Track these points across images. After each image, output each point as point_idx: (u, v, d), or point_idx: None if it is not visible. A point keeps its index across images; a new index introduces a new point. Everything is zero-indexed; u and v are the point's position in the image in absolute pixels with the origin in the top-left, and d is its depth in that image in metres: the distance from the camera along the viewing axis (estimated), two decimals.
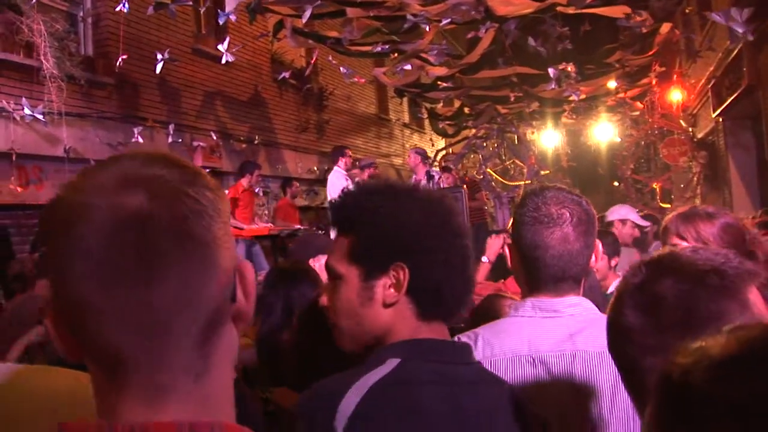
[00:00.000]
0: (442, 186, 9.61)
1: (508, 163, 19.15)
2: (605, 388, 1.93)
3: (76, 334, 0.85)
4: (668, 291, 1.24)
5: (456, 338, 2.06)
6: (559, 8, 9.21)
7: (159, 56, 7.54)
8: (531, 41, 8.35)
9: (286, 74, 11.83)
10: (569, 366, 1.95)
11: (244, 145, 13.42)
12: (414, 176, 10.10)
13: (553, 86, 9.76)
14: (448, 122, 16.89)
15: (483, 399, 1.55)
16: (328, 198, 10.61)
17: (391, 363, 1.52)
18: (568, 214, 2.03)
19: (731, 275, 1.24)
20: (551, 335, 1.98)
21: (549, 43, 8.84)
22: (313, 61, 9.55)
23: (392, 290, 1.59)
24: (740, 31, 6.21)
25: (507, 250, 2.19)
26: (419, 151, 11.14)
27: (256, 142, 13.66)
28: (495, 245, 5.17)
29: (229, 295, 0.91)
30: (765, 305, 1.23)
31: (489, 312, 3.03)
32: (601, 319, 2.03)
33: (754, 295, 1.23)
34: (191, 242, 0.86)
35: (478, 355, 1.98)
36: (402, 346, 1.56)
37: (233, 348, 0.95)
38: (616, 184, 20.82)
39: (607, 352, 1.87)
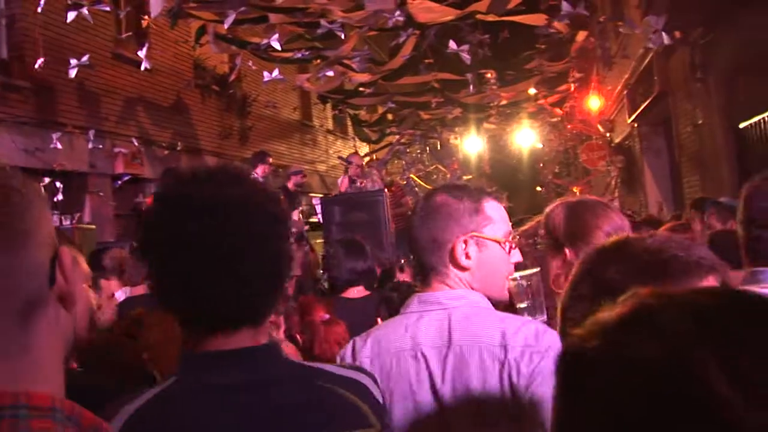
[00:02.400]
0: (365, 188, 9.65)
1: (431, 168, 19.36)
2: (478, 382, 1.97)
3: None
4: (612, 277, 1.28)
5: (354, 338, 2.17)
6: (478, 16, 9.39)
7: (73, 61, 7.39)
8: (453, 45, 8.47)
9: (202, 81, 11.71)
10: (443, 360, 2.00)
11: (166, 152, 13.24)
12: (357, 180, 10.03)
13: (471, 90, 9.92)
14: (371, 128, 17.00)
15: (281, 403, 1.47)
16: None
17: (167, 382, 1.49)
18: (418, 206, 2.17)
19: (675, 266, 1.29)
20: (432, 330, 2.05)
21: (470, 49, 8.98)
22: (238, 68, 9.49)
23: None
24: (654, 37, 6.46)
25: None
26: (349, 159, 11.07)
27: (178, 148, 13.50)
28: None
29: (45, 280, 0.97)
30: None
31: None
32: (482, 313, 2.12)
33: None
34: None
35: (367, 352, 2.08)
36: (180, 361, 1.52)
37: (61, 327, 1.01)
38: (539, 188, 21.25)
39: (477, 346, 1.97)
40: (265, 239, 1.51)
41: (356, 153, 12.09)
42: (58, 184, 9.80)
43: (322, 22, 8.07)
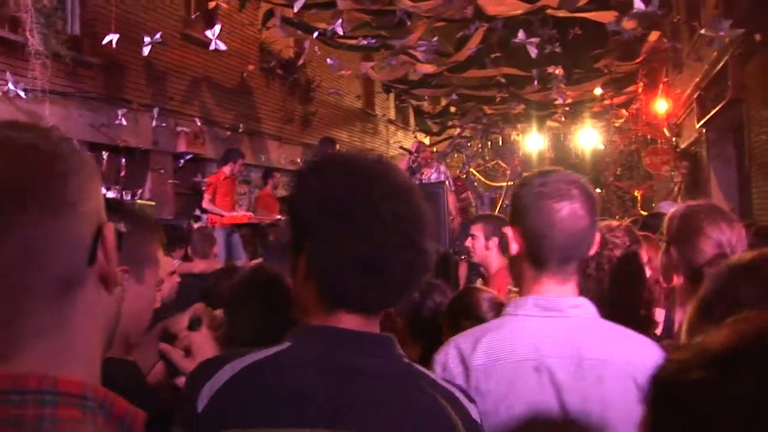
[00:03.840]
0: (428, 179, 9.59)
1: (491, 163, 19.22)
2: (612, 399, 1.84)
3: None
4: (746, 298, 1.20)
5: (451, 341, 1.99)
6: (549, 11, 9.24)
7: (147, 39, 7.47)
8: (521, 35, 8.34)
9: (271, 63, 11.76)
10: (573, 374, 1.85)
11: (228, 133, 13.35)
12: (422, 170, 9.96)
13: (536, 85, 9.78)
14: (433, 120, 16.93)
15: (372, 393, 1.45)
16: None
17: (281, 346, 1.49)
18: (576, 191, 1.93)
19: None
20: (556, 340, 1.88)
21: (538, 44, 8.85)
22: (306, 52, 9.50)
23: (300, 271, 1.53)
24: (716, 39, 6.28)
25: (511, 235, 2.03)
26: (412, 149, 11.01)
27: (240, 130, 13.60)
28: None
29: (85, 257, 0.92)
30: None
31: (466, 306, 3.02)
32: (606, 326, 2.00)
33: None
34: (35, 203, 0.87)
35: (480, 359, 1.89)
36: (300, 330, 1.52)
37: (100, 310, 0.96)
38: (598, 190, 20.95)
39: (609, 361, 1.83)
40: (410, 226, 1.50)
41: (422, 142, 11.98)
42: (122, 160, 9.96)
43: (398, 10, 7.99)
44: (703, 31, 6.53)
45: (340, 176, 1.51)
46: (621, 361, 1.85)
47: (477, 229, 5.04)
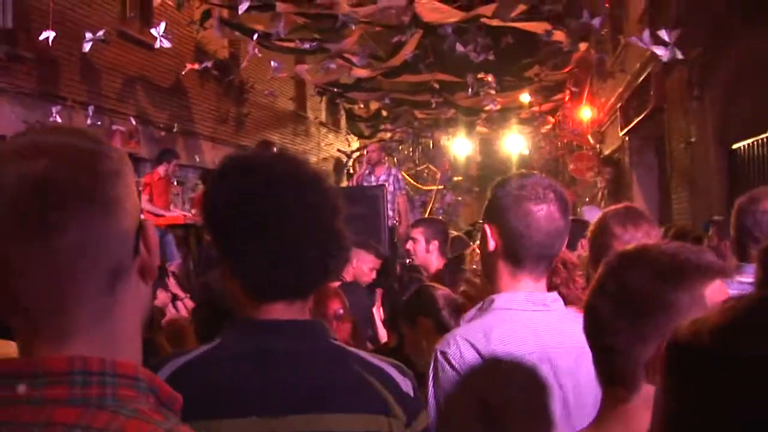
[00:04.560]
0: (400, 185, 9.77)
1: (422, 167, 19.47)
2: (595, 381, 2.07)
3: None
4: (630, 281, 1.43)
5: (457, 337, 2.06)
6: (483, 19, 9.51)
7: (88, 35, 7.41)
8: (460, 47, 8.58)
9: (209, 64, 11.76)
10: (574, 362, 2.01)
11: (162, 133, 13.22)
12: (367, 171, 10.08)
13: (470, 92, 10.04)
14: (365, 123, 17.07)
15: (294, 377, 1.54)
16: None
17: (211, 343, 1.58)
18: (552, 194, 2.08)
19: (686, 270, 1.42)
20: (551, 331, 2.05)
21: (475, 51, 9.10)
22: (250, 56, 9.52)
23: (225, 270, 1.63)
24: (666, 52, 6.55)
25: (488, 233, 2.15)
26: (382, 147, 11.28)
27: (174, 130, 13.50)
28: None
29: (131, 250, 1.01)
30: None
31: (422, 303, 3.20)
32: (579, 316, 2.21)
33: (711, 291, 1.41)
34: (89, 201, 0.95)
35: (493, 353, 1.99)
36: (227, 326, 1.62)
37: (140, 299, 1.05)
38: None
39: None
40: (318, 212, 1.59)
41: (375, 143, 12.18)
42: None
43: (338, 15, 8.11)
44: (644, 45, 6.77)
45: (242, 175, 1.59)
46: None
47: (418, 233, 5.22)
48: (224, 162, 1.68)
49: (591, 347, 1.50)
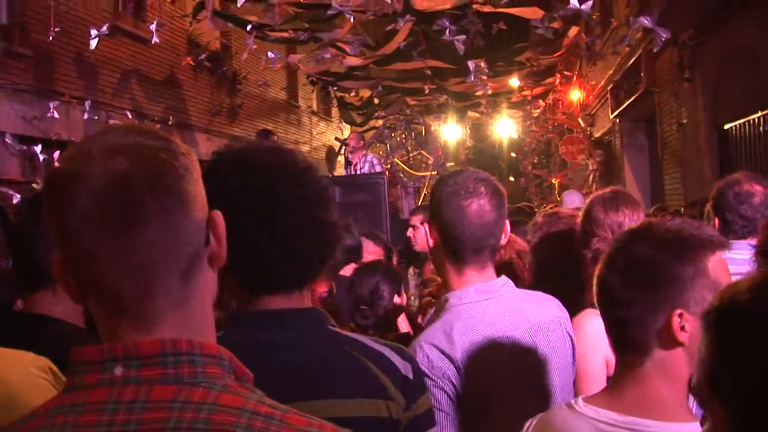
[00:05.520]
0: (376, 170, 9.87)
1: (414, 154, 19.52)
2: (557, 347, 2.23)
3: (81, 280, 1.04)
4: (639, 254, 1.55)
5: (422, 343, 2.13)
6: (475, 6, 9.57)
7: (94, 32, 7.45)
8: (447, 33, 8.64)
9: (203, 56, 11.78)
10: (531, 339, 2.18)
11: (158, 126, 13.26)
12: (350, 157, 10.24)
13: (471, 79, 10.10)
14: (357, 111, 17.07)
15: (304, 362, 1.57)
16: None
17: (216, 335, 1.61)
18: (483, 188, 2.20)
19: (690, 244, 1.55)
20: (507, 314, 2.18)
21: (465, 39, 9.14)
22: (248, 48, 9.54)
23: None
24: (663, 35, 6.65)
25: (427, 230, 2.30)
26: (361, 135, 11.42)
27: (170, 122, 13.54)
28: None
29: (203, 240, 1.09)
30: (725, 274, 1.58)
31: None
32: (527, 294, 2.33)
33: (714, 263, 1.55)
34: (167, 196, 1.03)
35: (459, 349, 2.09)
36: (230, 319, 1.63)
37: (211, 284, 1.13)
38: (512, 179, 21.53)
39: (551, 320, 2.25)
40: (312, 204, 1.62)
41: (356, 133, 12.29)
42: (55, 153, 9.83)
43: (332, 4, 8.17)
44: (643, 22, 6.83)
45: (235, 171, 1.60)
46: (553, 317, 2.25)
47: (417, 220, 5.24)
48: (215, 158, 1.70)
49: (604, 318, 1.62)
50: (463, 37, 9.06)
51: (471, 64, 9.24)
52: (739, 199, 3.27)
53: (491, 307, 2.18)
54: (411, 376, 1.65)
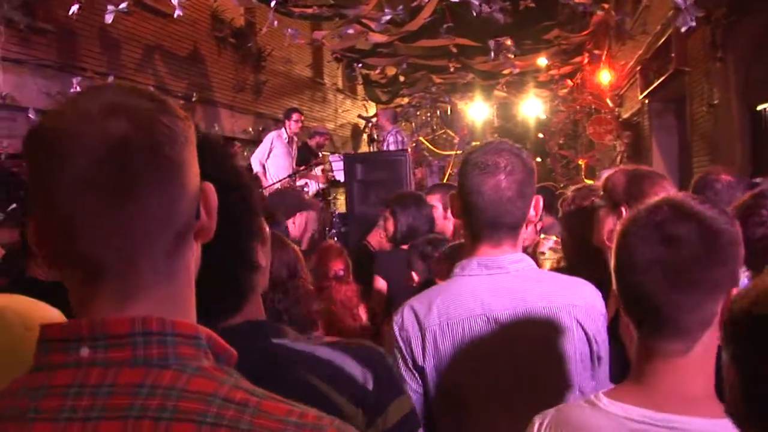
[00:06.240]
0: (400, 147, 9.82)
1: (440, 132, 19.39)
2: (555, 342, 2.08)
3: (61, 247, 0.97)
4: (715, 227, 1.42)
5: (406, 304, 2.13)
6: None
7: (110, 7, 7.40)
8: (483, 7, 8.46)
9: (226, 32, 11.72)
10: (522, 324, 2.06)
11: (181, 102, 13.23)
12: (380, 134, 10.26)
13: (492, 57, 9.95)
14: (382, 89, 16.97)
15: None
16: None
17: None
18: (502, 163, 2.11)
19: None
20: (502, 294, 2.08)
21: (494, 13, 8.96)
22: (269, 23, 9.43)
23: None
24: (681, 18, 6.47)
25: (449, 203, 2.28)
26: (388, 112, 11.40)
27: (193, 99, 13.52)
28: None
29: (194, 212, 1.02)
30: None
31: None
32: (546, 276, 2.22)
33: None
34: (166, 164, 0.97)
35: (434, 319, 2.05)
36: None
37: (196, 260, 1.07)
38: (538, 159, 21.30)
39: (555, 307, 2.08)
40: (235, 230, 1.39)
41: (389, 110, 12.26)
42: None
43: None
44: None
45: None
46: (564, 304, 2.07)
47: (435, 200, 5.08)
48: None
49: (643, 300, 1.45)
50: (498, 6, 8.85)
51: (492, 44, 9.05)
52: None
53: (489, 282, 2.09)
54: (370, 386, 1.46)
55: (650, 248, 1.42)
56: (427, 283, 3.38)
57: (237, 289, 1.43)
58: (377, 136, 9.97)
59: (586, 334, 2.10)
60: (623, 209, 2.48)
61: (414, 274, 3.86)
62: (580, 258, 2.47)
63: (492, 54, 9.41)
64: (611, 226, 2.50)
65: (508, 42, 10.88)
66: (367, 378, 1.47)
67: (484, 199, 2.11)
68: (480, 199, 2.11)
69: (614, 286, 1.52)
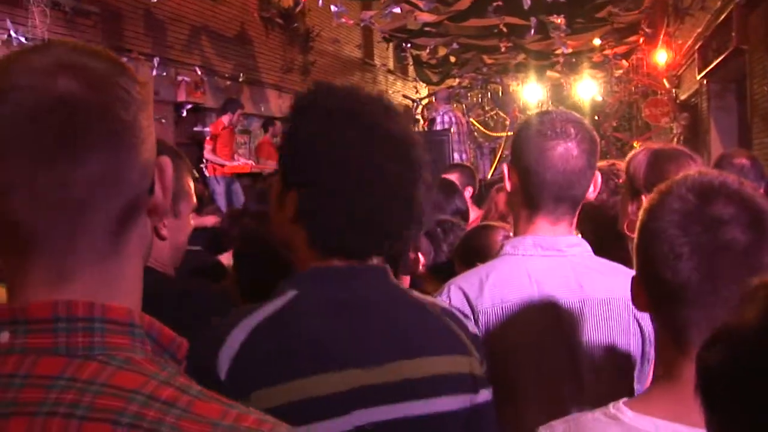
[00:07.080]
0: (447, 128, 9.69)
1: (491, 114, 19.15)
2: (615, 335, 1.91)
3: None
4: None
5: (451, 285, 1.97)
6: None
7: None
8: None
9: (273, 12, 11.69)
10: (579, 313, 1.89)
11: (228, 83, 13.26)
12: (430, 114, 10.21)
13: (533, 34, 9.72)
14: (433, 70, 16.80)
15: (393, 320, 1.48)
16: None
17: (287, 296, 1.45)
18: (572, 130, 1.91)
19: None
20: (558, 279, 1.91)
21: None
22: (306, 1, 9.35)
23: (288, 211, 1.50)
24: None
25: (506, 173, 2.04)
26: (442, 92, 11.39)
27: (240, 79, 13.52)
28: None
29: (147, 186, 0.94)
30: None
31: (477, 245, 2.96)
32: (604, 264, 2.03)
33: None
34: (118, 128, 0.88)
35: (487, 300, 1.89)
36: (301, 276, 1.50)
37: (145, 240, 0.97)
38: None
39: (614, 300, 1.88)
40: (408, 179, 1.49)
41: (444, 91, 12.21)
42: None
43: None
44: None
45: (340, 124, 1.46)
46: (623, 297, 1.86)
47: (453, 179, 4.96)
48: (317, 99, 1.53)
49: (692, 297, 1.26)
50: None
51: (533, 20, 8.82)
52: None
53: (544, 265, 1.90)
54: (476, 333, 1.65)
55: (693, 236, 1.23)
56: (435, 267, 3.24)
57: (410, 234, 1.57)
58: (426, 115, 9.84)
59: (641, 331, 1.92)
60: (643, 197, 2.22)
61: (421, 255, 3.64)
62: (595, 246, 2.23)
63: (532, 31, 9.15)
64: (632, 216, 2.24)
65: (559, 20, 10.62)
66: (473, 327, 1.67)
67: (551, 167, 1.90)
68: (545, 168, 1.91)
69: (639, 279, 1.34)
